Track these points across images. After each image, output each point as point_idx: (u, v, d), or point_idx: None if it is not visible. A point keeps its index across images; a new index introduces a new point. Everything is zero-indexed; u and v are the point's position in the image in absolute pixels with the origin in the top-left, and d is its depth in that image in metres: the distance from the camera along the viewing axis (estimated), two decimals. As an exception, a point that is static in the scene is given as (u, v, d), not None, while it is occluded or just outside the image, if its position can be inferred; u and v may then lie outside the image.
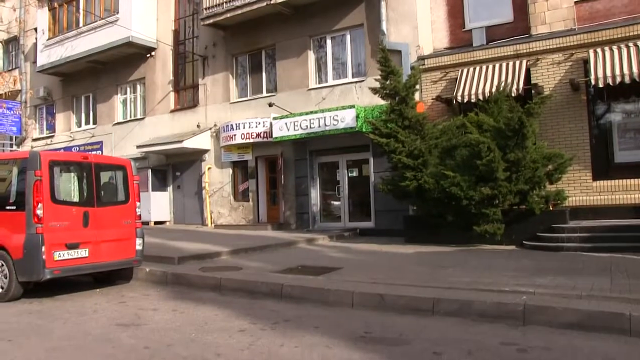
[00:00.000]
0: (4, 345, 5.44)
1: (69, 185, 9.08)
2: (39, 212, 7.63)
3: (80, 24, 22.09)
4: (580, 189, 12.64)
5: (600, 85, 11.85)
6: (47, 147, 24.01)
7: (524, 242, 11.34)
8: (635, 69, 11.54)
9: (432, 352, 4.87)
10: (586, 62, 12.51)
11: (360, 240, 14.25)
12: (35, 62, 24.21)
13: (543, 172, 11.43)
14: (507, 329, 5.60)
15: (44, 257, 7.59)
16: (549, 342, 5.10)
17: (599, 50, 12.30)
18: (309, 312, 6.68)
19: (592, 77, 11.91)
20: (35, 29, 24.40)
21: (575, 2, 13.24)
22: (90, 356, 5.02)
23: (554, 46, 13.10)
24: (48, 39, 23.12)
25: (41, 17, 23.57)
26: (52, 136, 25.10)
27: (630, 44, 12.03)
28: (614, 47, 12.16)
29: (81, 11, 22.11)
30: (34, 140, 25.81)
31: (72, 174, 8.94)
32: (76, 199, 8.63)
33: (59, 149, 23.07)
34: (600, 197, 12.42)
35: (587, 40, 12.67)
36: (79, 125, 24.33)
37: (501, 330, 5.59)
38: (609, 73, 11.76)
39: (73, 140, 23.92)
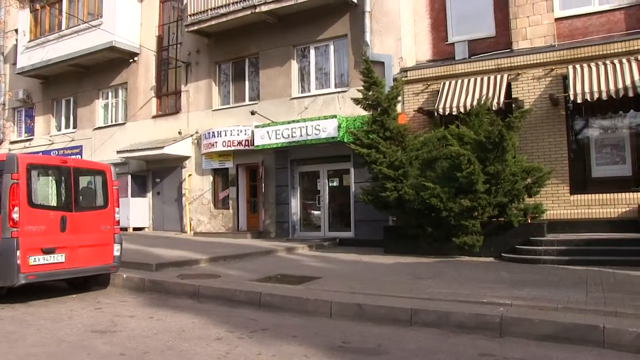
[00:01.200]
0: (-25, 350, 5.32)
1: (47, 189, 8.94)
2: (15, 215, 7.51)
3: (63, 27, 21.90)
4: (558, 202, 12.79)
5: (579, 100, 12.04)
6: (26, 150, 23.67)
7: (502, 254, 11.44)
8: (612, 86, 11.77)
9: (409, 363, 4.88)
10: (565, 77, 12.72)
11: (339, 250, 14.25)
12: (15, 63, 23.89)
13: (522, 185, 11.56)
14: (485, 340, 5.64)
15: (18, 261, 7.46)
16: (525, 354, 5.14)
17: (577, 66, 12.54)
18: (287, 321, 6.66)
19: (571, 92, 12.11)
20: (16, 30, 24.07)
21: (555, 19, 13.47)
22: (64, 363, 4.95)
23: (535, 61, 13.30)
24: (29, 41, 22.86)
25: (22, 19, 23.33)
26: (31, 139, 24.75)
27: (608, 62, 12.29)
28: (592, 64, 12.42)
29: (64, 14, 21.93)
30: (12, 142, 25.44)
31: (51, 178, 8.82)
32: (54, 203, 8.51)
33: (38, 152, 22.75)
34: (577, 211, 12.58)
35: (566, 56, 12.89)
36: (59, 129, 24.04)
37: (479, 341, 5.62)
38: (587, 89, 11.97)
39: (52, 144, 23.62)
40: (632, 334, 5.26)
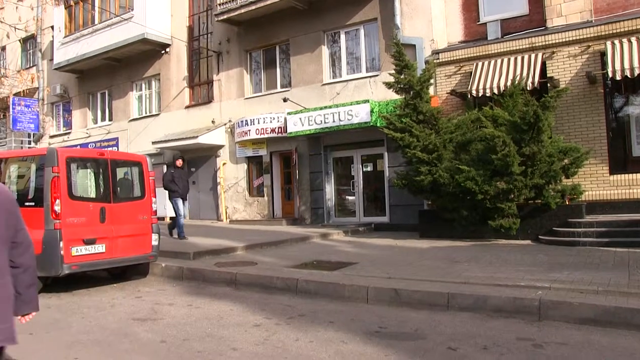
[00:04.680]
0: (25, 338, 5.50)
1: (86, 182, 9.16)
2: (57, 208, 7.73)
3: (96, 21, 22.26)
4: (597, 183, 12.51)
5: (618, 77, 11.69)
6: (64, 143, 24.27)
7: (539, 236, 11.28)
8: (653, 61, 11.38)
9: (446, 347, 4.88)
10: (603, 54, 12.35)
11: (374, 235, 14.25)
12: (52, 59, 24.46)
13: (559, 166, 11.33)
14: (523, 324, 5.59)
15: (62, 252, 7.70)
16: (565, 338, 5.08)
17: (616, 42, 12.13)
18: (323, 307, 6.71)
19: (610, 69, 11.75)
20: (52, 27, 24.63)
21: (592, -7, 13.08)
22: (108, 350, 5.09)
23: (570, 39, 12.95)
24: (64, 37, 23.33)
25: (58, 15, 23.80)
26: (69, 133, 25.34)
27: (648, 36, 11.87)
28: (632, 39, 11.98)
29: (96, 8, 22.28)
30: (51, 137, 26.07)
31: (89, 170, 9.03)
32: (93, 195, 8.72)
33: (76, 145, 23.30)
34: (617, 192, 12.28)
35: (604, 32, 12.51)
36: (95, 122, 24.55)
37: (517, 325, 5.57)
38: (627, 65, 11.60)
39: (89, 136, 24.14)
40: (677, 316, 5.14)
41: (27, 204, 7.97)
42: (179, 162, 13.34)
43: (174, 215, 13.19)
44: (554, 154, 11.17)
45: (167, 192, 12.95)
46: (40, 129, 26.11)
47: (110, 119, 23.73)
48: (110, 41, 21.33)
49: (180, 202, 12.79)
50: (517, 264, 8.46)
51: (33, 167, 8.27)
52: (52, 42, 24.66)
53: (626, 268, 7.64)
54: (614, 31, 12.35)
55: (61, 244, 7.69)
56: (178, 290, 8.17)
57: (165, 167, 20.16)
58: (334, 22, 17.02)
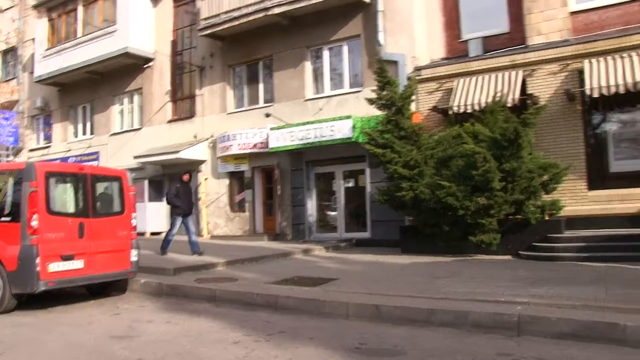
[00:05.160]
0: (-4, 357, 5.41)
1: (65, 196, 9.05)
2: (34, 223, 7.62)
3: (79, 34, 22.16)
4: (576, 198, 12.66)
5: (596, 95, 11.91)
6: (44, 157, 24.02)
7: (519, 252, 11.35)
8: (629, 79, 11.60)
9: (426, 364, 4.87)
10: (581, 72, 12.58)
11: (356, 250, 14.23)
12: (32, 72, 24.24)
13: (539, 182, 11.45)
14: (502, 340, 5.59)
15: (38, 268, 7.55)
16: (543, 353, 5.09)
17: (594, 60, 12.39)
18: (304, 323, 6.66)
19: (588, 87, 11.98)
20: (34, 40, 24.45)
21: (570, 12, 13.34)
22: (84, 368, 5.00)
23: (550, 56, 13.18)
24: (46, 49, 23.20)
25: (40, 28, 23.67)
26: (49, 146, 25.09)
27: (625, 55, 12.11)
28: (609, 58, 12.25)
29: (79, 22, 22.21)
30: (31, 150, 25.80)
31: (68, 185, 8.92)
32: (72, 210, 8.60)
33: (56, 159, 23.06)
34: (595, 207, 12.43)
35: (582, 50, 12.75)
36: (76, 136, 24.34)
37: (496, 340, 5.58)
38: (603, 83, 11.82)
39: (70, 150, 23.91)
40: (653, 331, 5.19)
41: (3, 219, 7.86)
42: (186, 177, 12.99)
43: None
44: (534, 170, 11.30)
45: (170, 207, 12.71)
46: (19, 142, 25.83)
47: (92, 133, 23.55)
48: (92, 54, 21.22)
49: (179, 220, 12.44)
50: (497, 279, 8.49)
51: (10, 181, 8.14)
52: (33, 55, 24.45)
53: (604, 282, 7.71)
54: (592, 50, 12.62)
55: (37, 259, 7.55)
56: (157, 307, 8.07)
57: (146, 182, 20.04)
58: (317, 38, 17.13)
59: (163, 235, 13.19)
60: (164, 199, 19.32)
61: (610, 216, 12.13)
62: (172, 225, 12.53)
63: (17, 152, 26.02)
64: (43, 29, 23.56)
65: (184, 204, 12.46)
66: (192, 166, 19.48)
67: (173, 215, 12.61)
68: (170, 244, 12.49)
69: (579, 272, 8.90)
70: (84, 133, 24.05)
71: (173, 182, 20.00)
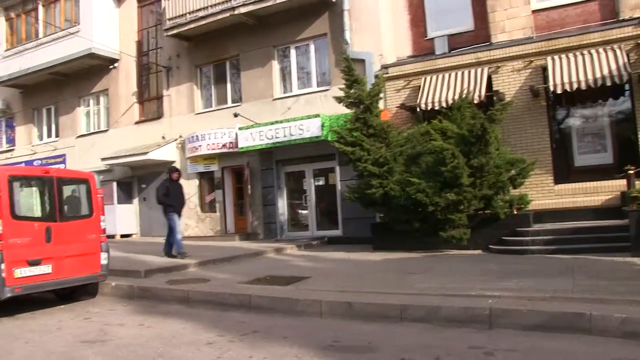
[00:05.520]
0: (-37, 367, 5.27)
1: (31, 201, 8.85)
2: (-1, 228, 7.44)
3: (40, 35, 21.70)
4: (543, 192, 12.92)
5: (559, 91, 12.18)
6: (7, 161, 23.45)
7: (489, 246, 11.53)
8: (590, 76, 11.90)
9: (400, 359, 4.91)
10: (545, 69, 12.85)
11: (328, 248, 14.26)
12: (-8, 73, 23.62)
13: (506, 177, 11.65)
14: (474, 333, 5.68)
15: (3, 274, 7.37)
16: (514, 344, 5.19)
17: (556, 57, 12.67)
18: (277, 322, 6.66)
19: (551, 83, 12.24)
20: (-8, 40, 23.82)
21: (532, 11, 13.61)
22: (54, 375, 4.91)
23: (514, 54, 13.42)
24: (5, 50, 22.63)
25: (-3, 28, 23.09)
26: (12, 150, 24.48)
27: (585, 52, 12.43)
28: (570, 55, 12.55)
29: (40, 22, 21.73)
30: (-7, 154, 25.18)
31: (34, 189, 8.73)
32: (38, 214, 8.42)
33: (20, 163, 22.52)
34: (562, 200, 12.71)
35: (545, 48, 13.02)
36: (41, 139, 23.81)
37: (468, 334, 5.66)
38: (566, 79, 12.10)
39: (35, 153, 23.36)
40: (618, 319, 5.34)
41: (-34, 224, 7.65)
42: (175, 175, 12.46)
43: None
44: (502, 165, 11.49)
45: (161, 206, 12.25)
46: (-20, 146, 25.17)
47: (57, 136, 23.06)
48: (55, 55, 20.77)
49: (176, 217, 12.00)
50: (468, 273, 8.62)
51: (-27, 186, 7.93)
52: (-8, 56, 23.83)
53: (571, 274, 7.89)
54: (554, 47, 12.89)
55: (2, 265, 7.37)
56: (129, 310, 7.97)
57: (115, 184, 19.73)
58: (284, 37, 17.10)
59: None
60: (148, 199, 19.09)
61: (576, 209, 12.43)
62: (171, 225, 11.99)
63: (-22, 156, 25.34)
64: (1, 29, 22.96)
65: (175, 202, 12.06)
66: (162, 167, 19.25)
67: (167, 214, 12.05)
68: (181, 242, 12.04)
69: (548, 264, 9.10)
70: (49, 135, 23.54)
71: (142, 183, 19.85)
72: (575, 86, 11.98)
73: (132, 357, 5.34)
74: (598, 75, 11.83)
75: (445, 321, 6.09)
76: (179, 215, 12.23)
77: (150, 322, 6.99)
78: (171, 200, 11.99)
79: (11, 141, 24.88)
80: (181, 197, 12.54)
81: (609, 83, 11.76)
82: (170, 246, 12.06)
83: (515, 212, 11.98)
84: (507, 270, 8.61)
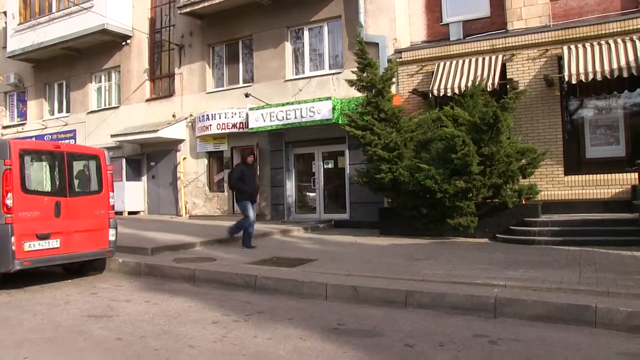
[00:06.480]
0: (-29, 336, 5.34)
1: (41, 175, 8.92)
2: (9, 202, 7.49)
3: (54, 9, 21.66)
4: (553, 183, 12.84)
5: (574, 81, 12.02)
6: (18, 135, 23.59)
7: (496, 235, 11.50)
8: (607, 67, 11.74)
9: (404, 344, 4.93)
10: (560, 58, 12.69)
11: (335, 232, 14.29)
12: (5, 47, 23.64)
13: (516, 167, 11.58)
14: (479, 321, 5.69)
15: (13, 247, 7.46)
16: (519, 334, 5.19)
17: (572, 47, 12.49)
18: (283, 303, 6.70)
19: (566, 73, 12.09)
20: (5, 13, 23.80)
21: (550, -2, 13.41)
22: (61, 348, 4.96)
23: (530, 42, 13.25)
24: (19, 24, 22.60)
25: (11, 1, 23.03)
26: (24, 124, 24.61)
27: (603, 42, 12.24)
28: (587, 45, 12.37)
29: (54, -5, 21.69)
30: (4, 127, 25.29)
31: (44, 163, 8.79)
32: (48, 188, 8.50)
33: (31, 137, 22.66)
34: (571, 192, 12.63)
35: (561, 37, 12.84)
36: (52, 114, 23.91)
37: (473, 322, 5.67)
38: (582, 70, 11.94)
39: (45, 128, 23.50)
40: (623, 313, 5.32)
41: (-23, 197, 7.71)
42: (250, 159, 11.41)
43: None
44: (512, 155, 11.41)
45: (234, 192, 11.29)
46: (-8, 119, 25.31)
47: (68, 111, 23.14)
48: (68, 31, 20.76)
49: (250, 205, 10.99)
50: (474, 262, 8.60)
51: (-16, 159, 7.98)
52: (5, 29, 23.82)
53: (577, 266, 7.86)
54: (571, 37, 12.71)
55: (12, 239, 7.45)
56: (135, 287, 8.03)
57: (124, 160, 19.80)
58: (297, 18, 16.97)
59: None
60: (156, 177, 19.08)
61: (585, 201, 12.34)
62: (246, 213, 11.00)
63: (-11, 129, 25.52)
64: (14, 1, 22.92)
65: (251, 188, 11.13)
66: (171, 145, 19.35)
67: (241, 201, 11.07)
68: (252, 234, 11.14)
69: (554, 255, 9.05)
70: (60, 111, 23.63)
71: (151, 161, 19.91)
72: (590, 77, 11.82)
73: (138, 332, 5.39)
74: (615, 66, 11.66)
75: (451, 308, 6.10)
76: (253, 202, 11.23)
77: (156, 299, 7.05)
78: (246, 186, 11.03)
79: (22, 115, 25.00)
80: (255, 182, 11.71)
81: (625, 74, 11.60)
82: (250, 237, 11.09)
83: (524, 202, 11.95)
84: (513, 260, 8.59)
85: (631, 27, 12.17)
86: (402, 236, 12.26)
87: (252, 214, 11.00)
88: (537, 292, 6.20)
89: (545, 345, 4.85)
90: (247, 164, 11.30)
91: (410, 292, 6.46)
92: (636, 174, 11.58)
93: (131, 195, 19.83)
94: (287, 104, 16.01)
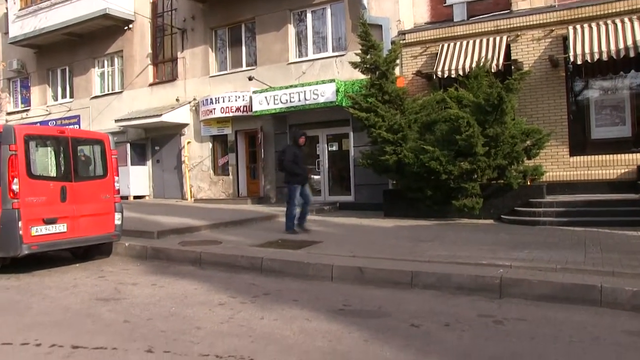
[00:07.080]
0: (-19, 320, 5.40)
1: (46, 160, 8.94)
2: (15, 187, 7.52)
3: (54, -6, 21.55)
4: (558, 164, 12.81)
5: (579, 62, 11.94)
6: (22, 121, 23.59)
7: (501, 216, 11.50)
8: (612, 46, 11.64)
9: (410, 324, 4.96)
10: (565, 38, 12.59)
11: (339, 214, 14.31)
12: (7, 33, 23.55)
13: (521, 148, 11.55)
14: (485, 302, 5.71)
15: (20, 232, 7.50)
16: (524, 314, 5.22)
17: (578, 27, 12.38)
18: (288, 285, 6.73)
19: (571, 53, 12.00)
20: (6, -1, 23.71)
21: (555, -23, 13.26)
22: (70, 331, 5.01)
23: (534, 22, 13.13)
24: (20, 9, 22.51)
25: (11, -14, 22.93)
26: (28, 110, 24.61)
27: (609, 22, 12.12)
28: (593, 25, 12.25)
29: (54, -20, 21.55)
30: (8, 114, 25.26)
31: (49, 149, 8.80)
32: (53, 173, 8.52)
33: (35, 123, 22.66)
34: (576, 173, 12.60)
35: (566, 17, 12.72)
36: (55, 99, 23.89)
37: (478, 302, 5.69)
38: (587, 50, 11.85)
39: (49, 114, 23.49)
40: (628, 292, 5.35)
41: (-18, 183, 7.74)
42: (302, 140, 10.66)
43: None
44: (517, 136, 11.37)
45: (285, 174, 10.68)
46: (-4, 106, 25.31)
47: (72, 96, 23.11)
48: (70, 16, 20.66)
49: (298, 190, 10.31)
50: (479, 242, 8.62)
51: (-11, 145, 8.00)
52: (6, 15, 23.71)
53: (582, 246, 7.87)
54: (576, 16, 12.59)
55: (20, 223, 7.50)
56: (142, 270, 8.09)
57: (129, 145, 19.82)
58: (300, 0, 16.85)
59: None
60: (161, 161, 19.03)
61: (591, 182, 12.33)
62: (291, 197, 10.32)
63: (-7, 116, 25.52)
64: (15, -13, 22.84)
65: (302, 171, 10.50)
66: (175, 130, 19.35)
67: (293, 184, 10.33)
68: (295, 220, 10.49)
69: (559, 236, 9.07)
70: (64, 96, 23.60)
71: (156, 145, 19.92)
72: (596, 57, 11.73)
73: (145, 315, 5.43)
74: (621, 46, 11.56)
75: (456, 289, 6.13)
76: (304, 185, 10.51)
77: (162, 282, 7.10)
78: (299, 168, 10.36)
79: (26, 101, 24.98)
80: (304, 165, 11.02)
81: (632, 54, 11.52)
82: (303, 217, 10.58)
83: (529, 183, 11.93)
84: (518, 241, 8.61)
85: (638, 6, 12.03)
86: (406, 218, 12.28)
87: (297, 200, 10.34)
88: (542, 273, 6.22)
89: (551, 325, 4.87)
90: (299, 146, 10.66)
91: (416, 273, 6.48)
92: (642, 154, 11.55)
93: (136, 179, 19.88)
94: (291, 86, 15.96)
